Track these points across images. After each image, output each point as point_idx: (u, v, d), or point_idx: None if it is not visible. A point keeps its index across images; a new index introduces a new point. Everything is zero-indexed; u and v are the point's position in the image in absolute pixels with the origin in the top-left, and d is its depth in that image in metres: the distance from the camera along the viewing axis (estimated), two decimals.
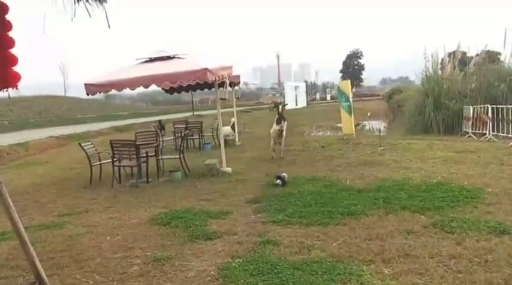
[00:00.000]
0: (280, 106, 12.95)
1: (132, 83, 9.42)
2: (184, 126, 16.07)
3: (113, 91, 10.10)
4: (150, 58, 10.47)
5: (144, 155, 10.19)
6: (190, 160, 12.11)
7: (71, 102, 78.48)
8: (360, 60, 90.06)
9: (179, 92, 16.29)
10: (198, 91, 17.60)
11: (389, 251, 4.97)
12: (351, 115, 16.15)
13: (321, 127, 28.97)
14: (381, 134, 20.21)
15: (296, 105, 51.98)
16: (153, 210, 7.48)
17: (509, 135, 13.80)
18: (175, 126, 16.53)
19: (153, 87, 17.21)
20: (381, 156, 11.89)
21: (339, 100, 17.17)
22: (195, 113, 48.18)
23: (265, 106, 55.74)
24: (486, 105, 15.38)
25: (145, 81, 9.45)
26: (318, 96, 78.27)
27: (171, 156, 11.04)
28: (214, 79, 9.50)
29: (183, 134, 15.60)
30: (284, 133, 12.32)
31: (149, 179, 10.11)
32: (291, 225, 6.12)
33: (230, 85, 16.15)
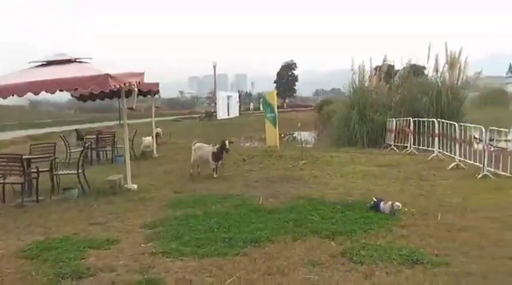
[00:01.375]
0: (227, 142, 10.75)
1: (20, 89, 8.18)
2: (95, 136, 14.78)
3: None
4: (46, 62, 9.24)
5: (35, 170, 8.94)
6: (97, 175, 11.01)
7: None
8: (294, 71, 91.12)
9: (93, 100, 15.01)
10: (131, 98, 16.06)
11: None
12: (275, 126, 15.61)
13: (250, 138, 28.38)
14: (306, 145, 19.91)
15: (228, 114, 51.29)
16: (28, 238, 6.32)
17: (430, 148, 13.77)
18: (87, 136, 15.19)
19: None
20: (301, 171, 11.33)
21: (264, 111, 16.59)
22: (122, 122, 46.08)
23: (197, 115, 54.78)
24: (408, 118, 15.37)
25: (35, 87, 8.24)
26: (251, 106, 78.16)
27: (68, 171, 9.82)
28: (118, 86, 8.47)
29: (93, 146, 14.38)
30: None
31: (40, 198, 8.86)
32: (184, 256, 5.25)
33: (149, 93, 15.16)
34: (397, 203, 6.85)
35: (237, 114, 55.93)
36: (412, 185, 9.18)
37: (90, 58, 9.49)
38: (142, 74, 9.68)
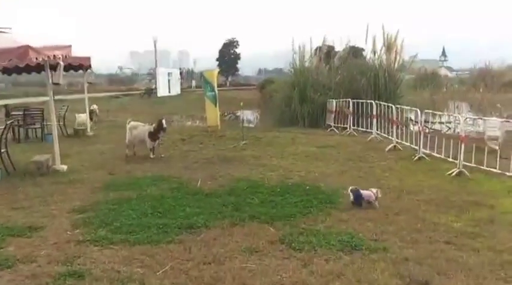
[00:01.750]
0: (163, 120, 10.30)
1: None
2: (22, 112, 13.78)
3: None
4: None
5: None
6: (25, 154, 10.25)
7: None
8: (236, 49, 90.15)
9: (19, 73, 13.96)
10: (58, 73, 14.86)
11: (223, 281, 4.03)
12: (216, 105, 15.26)
13: (191, 116, 27.79)
14: (249, 125, 19.80)
15: (169, 92, 50.09)
16: None
17: (368, 130, 13.98)
18: (13, 112, 14.14)
19: None
20: (242, 151, 11.13)
21: (204, 90, 16.16)
22: (57, 97, 43.66)
23: (137, 92, 53.13)
24: (348, 99, 15.51)
25: None
26: (194, 83, 76.86)
27: None
28: (40, 59, 7.80)
29: (20, 122, 13.45)
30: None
31: None
32: (113, 245, 4.90)
33: (80, 68, 14.29)
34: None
35: (179, 92, 54.73)
36: (352, 167, 9.23)
37: (10, 28, 8.64)
38: (69, 47, 9.01)
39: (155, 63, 58.65)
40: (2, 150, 8.71)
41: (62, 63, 8.50)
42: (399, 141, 11.42)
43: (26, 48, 7.36)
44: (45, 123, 13.99)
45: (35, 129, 14.01)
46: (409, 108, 12.21)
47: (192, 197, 6.81)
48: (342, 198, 6.69)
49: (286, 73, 23.66)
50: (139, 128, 10.48)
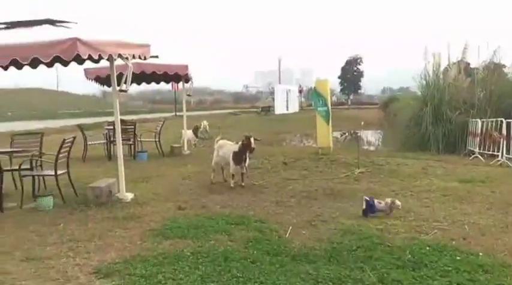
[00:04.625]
0: (252, 138, 8.00)
1: None
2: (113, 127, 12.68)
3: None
4: (8, 24, 6.93)
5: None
6: (107, 174, 8.74)
7: (61, 97, 75.38)
8: (359, 67, 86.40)
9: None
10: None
11: None
12: (328, 123, 12.80)
13: (306, 135, 25.64)
14: (369, 148, 17.09)
15: (287, 109, 48.63)
16: None
17: None
18: (106, 127, 13.13)
19: (151, 86, 13.67)
20: (355, 183, 8.56)
21: (314, 105, 13.82)
22: (179, 113, 44.64)
23: (255, 109, 52.78)
24: (500, 119, 12.06)
25: None
26: None
27: (43, 173, 7.59)
28: (97, 56, 6.14)
29: (111, 138, 12.33)
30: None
31: (11, 205, 6.84)
32: None
33: (178, 79, 12.92)
34: (398, 202, 6.12)
35: (297, 110, 53.09)
36: None
37: (76, 23, 7.06)
38: (145, 47, 7.33)
39: (279, 81, 58.04)
40: (59, 172, 7.19)
41: (130, 65, 6.79)
42: None
43: (74, 41, 5.73)
44: (139, 139, 12.79)
45: (130, 145, 12.81)
46: None
47: (271, 259, 4.49)
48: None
49: (413, 92, 20.43)
50: (227, 147, 8.46)
